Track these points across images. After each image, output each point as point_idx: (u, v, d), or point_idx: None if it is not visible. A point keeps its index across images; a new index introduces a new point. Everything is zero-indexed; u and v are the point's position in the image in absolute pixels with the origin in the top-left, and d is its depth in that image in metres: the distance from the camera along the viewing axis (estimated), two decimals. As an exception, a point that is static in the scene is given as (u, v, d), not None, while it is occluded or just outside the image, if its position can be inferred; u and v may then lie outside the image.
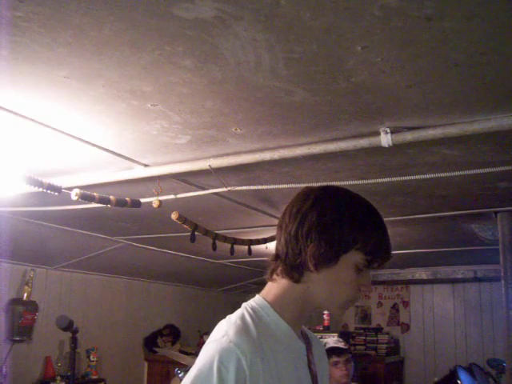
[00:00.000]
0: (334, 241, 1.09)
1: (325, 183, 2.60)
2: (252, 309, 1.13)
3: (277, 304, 1.14)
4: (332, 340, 3.26)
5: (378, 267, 1.14)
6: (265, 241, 3.83)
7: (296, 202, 1.16)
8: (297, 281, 1.12)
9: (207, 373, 0.99)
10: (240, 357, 1.00)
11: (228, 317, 1.12)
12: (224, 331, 1.05)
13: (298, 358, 1.14)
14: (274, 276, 1.16)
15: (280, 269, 1.14)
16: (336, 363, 3.06)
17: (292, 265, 1.12)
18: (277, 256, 1.15)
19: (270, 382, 1.03)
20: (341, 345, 3.18)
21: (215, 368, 0.99)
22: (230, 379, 0.98)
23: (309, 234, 1.10)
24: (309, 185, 2.65)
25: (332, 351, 3.09)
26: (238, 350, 1.00)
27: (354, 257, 1.10)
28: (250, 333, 1.05)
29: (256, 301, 1.16)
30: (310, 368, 1.15)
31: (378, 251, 1.12)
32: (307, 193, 1.16)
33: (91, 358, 5.00)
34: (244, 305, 1.15)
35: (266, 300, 1.14)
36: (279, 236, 1.16)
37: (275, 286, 1.16)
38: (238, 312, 1.12)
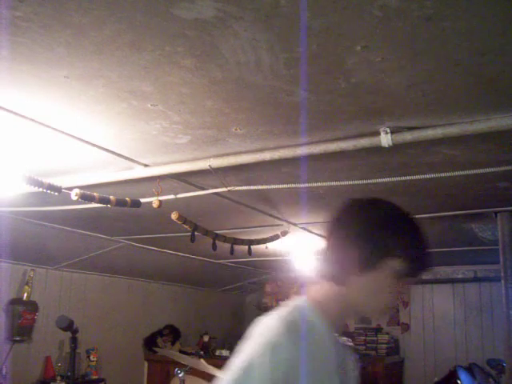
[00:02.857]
0: (376, 247, 1.17)
1: (325, 183, 2.60)
2: (297, 308, 1.20)
3: (320, 305, 1.22)
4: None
5: (416, 276, 1.22)
6: (265, 241, 3.83)
7: (341, 212, 1.26)
8: (340, 284, 1.21)
9: (258, 363, 1.06)
10: (288, 349, 1.08)
11: (272, 314, 1.18)
12: (272, 324, 1.13)
13: (334, 357, 1.21)
14: (320, 279, 1.26)
15: (325, 272, 1.24)
16: None
17: (336, 269, 1.21)
18: (323, 261, 1.25)
19: (312, 375, 1.12)
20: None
21: (266, 358, 1.06)
22: (280, 370, 1.06)
23: (353, 239, 1.19)
24: (309, 185, 2.67)
25: None
26: (286, 343, 1.08)
27: (395, 264, 1.17)
28: (297, 329, 1.13)
29: (301, 300, 1.23)
30: (341, 369, 1.23)
31: (417, 260, 1.20)
32: (352, 203, 1.27)
33: (91, 357, 5.00)
34: (289, 303, 1.22)
35: (311, 301, 1.23)
36: (326, 243, 1.26)
37: (320, 289, 1.25)
38: (284, 309, 1.19)
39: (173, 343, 5.95)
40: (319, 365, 1.16)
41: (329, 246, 1.25)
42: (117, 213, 3.37)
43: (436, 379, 4.69)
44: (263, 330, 1.13)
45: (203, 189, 2.85)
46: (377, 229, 1.19)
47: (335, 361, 1.21)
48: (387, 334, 6.25)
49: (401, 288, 1.21)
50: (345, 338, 1.35)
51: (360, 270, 1.18)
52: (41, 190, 2.36)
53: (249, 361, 1.08)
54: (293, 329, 1.12)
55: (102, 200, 2.56)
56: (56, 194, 2.43)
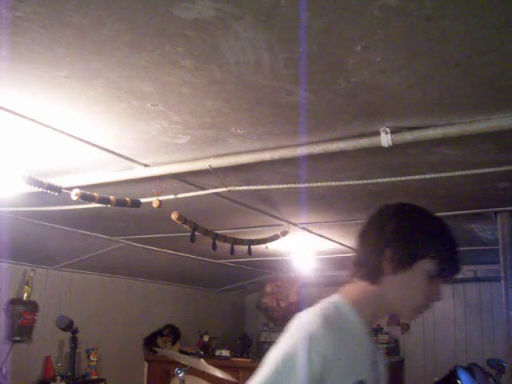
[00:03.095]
0: (410, 247, 1.22)
1: (325, 183, 2.60)
2: (333, 304, 1.25)
3: (354, 302, 1.26)
4: None
5: (447, 278, 1.26)
6: (265, 241, 3.83)
7: (376, 214, 1.32)
8: (374, 283, 1.26)
9: (297, 353, 1.10)
10: (326, 341, 1.12)
11: (309, 310, 1.23)
12: (310, 318, 1.18)
13: (367, 354, 1.25)
14: (354, 278, 1.30)
15: (360, 272, 1.28)
16: None
17: (371, 268, 1.26)
18: (357, 260, 1.30)
19: (347, 369, 1.16)
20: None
21: (305, 349, 1.10)
22: (317, 360, 1.10)
23: (388, 239, 1.24)
24: (309, 185, 2.67)
25: None
26: (324, 335, 1.13)
27: (428, 265, 1.22)
28: (333, 323, 1.18)
29: (336, 298, 1.28)
30: (374, 367, 1.26)
31: (449, 263, 1.25)
32: (385, 207, 1.32)
33: (91, 357, 5.00)
34: (325, 301, 1.27)
35: (345, 298, 1.27)
36: (360, 243, 1.31)
37: (354, 287, 1.30)
38: (320, 306, 1.24)
39: (173, 343, 5.95)
40: (355, 359, 1.19)
41: (362, 246, 1.30)
42: (117, 213, 3.37)
43: (436, 379, 4.69)
44: (301, 324, 1.17)
45: (203, 189, 2.85)
46: (412, 231, 1.24)
47: (370, 357, 1.25)
48: (387, 333, 6.25)
49: (433, 289, 1.25)
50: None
51: (395, 270, 1.22)
52: (41, 190, 2.36)
53: (288, 353, 1.12)
54: (329, 322, 1.17)
55: (101, 200, 2.56)
56: (56, 194, 2.43)
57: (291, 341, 1.14)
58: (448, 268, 1.25)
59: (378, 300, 1.27)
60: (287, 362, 1.11)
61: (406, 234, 1.24)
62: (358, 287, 1.29)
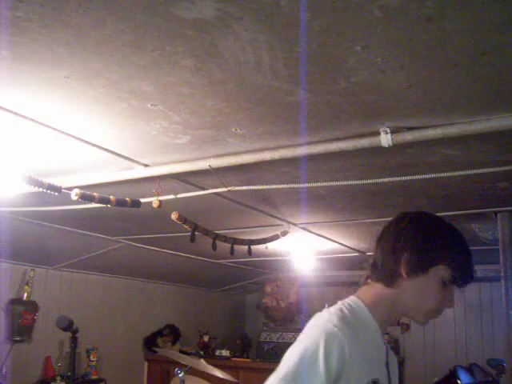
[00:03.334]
0: (425, 253, 1.28)
1: (325, 183, 2.60)
2: (349, 305, 1.29)
3: (369, 304, 1.30)
4: None
5: (461, 285, 1.32)
6: (265, 241, 3.83)
7: (393, 221, 1.37)
8: (390, 286, 1.30)
9: (314, 351, 1.14)
10: (343, 340, 1.15)
11: (325, 310, 1.27)
12: (327, 317, 1.22)
13: (381, 355, 1.30)
14: (370, 281, 1.35)
15: (375, 275, 1.34)
16: None
17: (387, 271, 1.30)
18: (374, 264, 1.35)
19: (362, 368, 1.19)
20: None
21: (321, 347, 1.13)
22: (334, 359, 1.14)
23: (405, 245, 1.29)
24: (309, 185, 2.67)
25: None
26: (341, 334, 1.16)
27: (442, 271, 1.28)
28: (349, 324, 1.21)
29: (352, 299, 1.32)
30: (387, 369, 1.29)
31: (463, 270, 1.31)
32: (404, 215, 1.38)
33: (91, 358, 5.00)
34: (341, 302, 1.31)
35: (362, 300, 1.31)
36: (377, 247, 1.36)
37: (369, 289, 1.34)
38: (337, 306, 1.28)
39: (173, 343, 5.95)
40: (370, 359, 1.22)
41: (380, 250, 1.34)
42: (117, 213, 3.37)
43: (436, 379, 4.69)
44: (318, 324, 1.21)
45: (203, 189, 2.85)
46: (429, 238, 1.29)
47: (383, 358, 1.29)
48: (387, 334, 6.24)
49: (446, 295, 1.30)
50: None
51: (410, 275, 1.27)
52: (41, 189, 2.36)
53: (306, 352, 1.15)
54: (346, 322, 1.21)
55: (101, 200, 2.56)
56: (56, 194, 2.43)
57: (309, 340, 1.17)
58: (461, 275, 1.31)
59: (392, 303, 1.31)
60: (305, 361, 1.14)
61: (422, 241, 1.29)
62: (373, 290, 1.33)
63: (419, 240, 1.29)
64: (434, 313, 1.33)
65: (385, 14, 1.27)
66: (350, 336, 1.18)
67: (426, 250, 1.28)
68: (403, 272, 1.28)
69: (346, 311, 1.26)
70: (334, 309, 1.27)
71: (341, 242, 4.60)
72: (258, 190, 2.83)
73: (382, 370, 1.28)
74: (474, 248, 4.51)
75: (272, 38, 1.39)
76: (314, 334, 1.18)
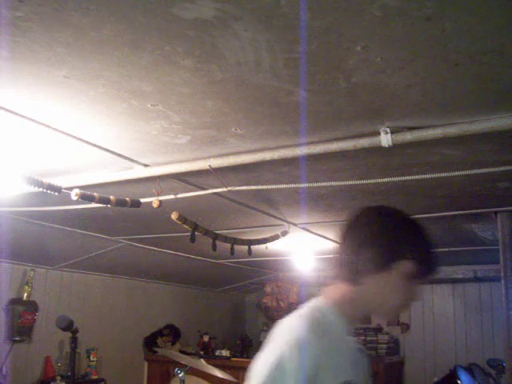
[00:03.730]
0: (388, 248, 1.26)
1: (325, 183, 2.60)
2: (317, 308, 1.27)
3: (337, 305, 1.28)
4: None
5: (424, 279, 1.30)
6: (265, 241, 3.84)
7: (355, 217, 1.35)
8: (355, 284, 1.28)
9: (286, 360, 1.11)
10: (315, 346, 1.14)
11: (294, 314, 1.25)
12: (297, 324, 1.19)
13: (352, 355, 1.28)
14: (335, 280, 1.32)
15: (341, 273, 1.31)
16: None
17: (351, 269, 1.28)
18: (338, 262, 1.33)
19: (335, 371, 1.18)
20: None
21: (295, 355, 1.11)
22: (308, 366, 1.11)
23: (367, 241, 1.27)
24: (309, 185, 2.67)
25: None
26: (312, 340, 1.14)
27: (406, 266, 1.26)
28: (319, 327, 1.19)
29: (320, 301, 1.30)
30: (358, 366, 1.29)
31: (427, 263, 1.30)
32: (366, 209, 1.36)
33: (91, 358, 5.00)
34: (308, 305, 1.29)
35: (329, 301, 1.29)
36: (340, 245, 1.34)
37: (336, 289, 1.32)
38: (305, 310, 1.26)
39: (173, 343, 5.95)
40: (341, 360, 1.21)
41: (343, 248, 1.32)
42: (117, 213, 3.37)
43: (436, 379, 4.69)
44: (287, 329, 1.18)
45: (203, 189, 2.85)
46: (390, 232, 1.28)
47: (354, 358, 1.28)
48: (387, 334, 6.24)
49: (411, 290, 1.29)
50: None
51: (373, 271, 1.25)
52: (41, 189, 2.36)
53: (278, 359, 1.12)
54: (315, 326, 1.18)
55: (101, 200, 2.56)
56: (56, 193, 2.43)
57: (280, 348, 1.14)
58: (425, 269, 1.30)
59: (359, 301, 1.29)
60: (279, 369, 1.11)
61: (384, 236, 1.27)
62: (339, 289, 1.31)
63: (381, 235, 1.28)
64: (400, 308, 1.32)
65: (385, 14, 1.27)
66: (321, 341, 1.16)
67: (387, 245, 1.27)
68: (367, 269, 1.26)
69: (315, 315, 1.24)
70: (302, 313, 1.25)
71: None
72: (258, 189, 2.83)
73: (355, 370, 1.26)
74: (474, 248, 4.54)
75: (272, 38, 1.39)
76: (285, 341, 1.15)
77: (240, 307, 7.66)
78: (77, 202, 2.61)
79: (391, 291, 1.27)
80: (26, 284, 4.49)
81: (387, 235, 1.28)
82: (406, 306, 1.33)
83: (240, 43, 1.42)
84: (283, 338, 1.16)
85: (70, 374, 3.56)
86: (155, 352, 5.50)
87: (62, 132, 2.11)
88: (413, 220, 1.34)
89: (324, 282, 1.39)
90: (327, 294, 1.32)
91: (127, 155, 2.41)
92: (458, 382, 3.24)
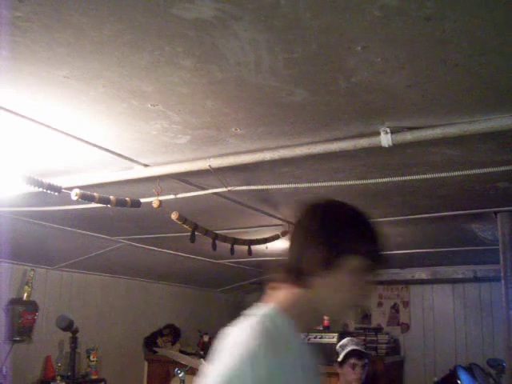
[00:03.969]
0: (333, 246, 1.19)
1: (325, 183, 2.60)
2: (266, 316, 1.18)
3: (287, 310, 1.20)
4: (351, 341, 3.25)
5: (374, 272, 1.24)
6: (265, 241, 3.83)
7: (300, 216, 1.30)
8: (303, 287, 1.20)
9: (239, 375, 1.03)
10: (268, 359, 1.06)
11: (241, 325, 1.16)
12: (245, 336, 1.10)
13: (305, 361, 1.21)
14: (282, 284, 1.24)
15: (287, 277, 1.22)
16: (354, 365, 3.07)
17: (298, 272, 1.20)
18: (284, 265, 1.24)
19: (288, 381, 1.11)
20: (361, 348, 3.19)
21: (248, 370, 1.03)
22: (262, 380, 1.04)
23: (310, 241, 1.20)
24: (309, 185, 2.67)
25: (353, 353, 3.09)
26: (262, 353, 1.06)
27: (353, 261, 1.19)
28: (269, 337, 1.11)
29: (269, 307, 1.21)
30: (312, 372, 1.23)
31: (374, 256, 1.23)
32: (309, 206, 1.30)
33: (91, 358, 5.00)
34: (257, 310, 1.20)
35: (278, 307, 1.20)
36: (288, 247, 1.27)
37: (284, 293, 1.23)
38: (253, 319, 1.17)
39: (173, 343, 5.95)
40: (294, 370, 1.14)
41: (289, 249, 1.26)
42: (117, 213, 3.37)
43: (436, 379, 4.69)
44: (237, 342, 1.10)
45: (203, 189, 2.85)
46: (334, 228, 1.21)
47: (307, 366, 1.21)
48: (387, 334, 6.24)
49: (362, 285, 1.23)
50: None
51: (321, 271, 1.18)
52: (41, 189, 2.36)
53: (229, 374, 1.04)
54: (267, 337, 1.10)
55: (101, 200, 2.56)
56: (56, 193, 2.43)
57: (229, 362, 1.06)
58: (373, 262, 1.23)
59: (310, 304, 1.22)
60: None
61: (327, 233, 1.21)
62: (289, 293, 1.22)
63: (324, 233, 1.20)
64: (353, 306, 1.27)
65: (385, 14, 1.27)
66: (274, 353, 1.08)
67: (332, 243, 1.19)
68: (314, 269, 1.18)
69: (265, 322, 1.14)
70: (252, 322, 1.15)
71: (341, 242, 4.59)
72: (258, 190, 2.83)
73: (308, 376, 1.20)
74: (474, 248, 4.54)
75: (272, 37, 1.39)
76: (235, 356, 1.06)
77: (240, 307, 7.64)
78: (77, 202, 2.61)
79: (341, 290, 1.21)
80: (26, 284, 4.48)
81: (331, 232, 1.21)
82: (359, 303, 1.27)
83: (240, 43, 1.42)
84: (233, 353, 1.08)
85: (70, 374, 3.56)
86: (155, 352, 5.49)
87: (62, 132, 2.11)
88: (357, 212, 1.28)
89: (270, 286, 1.32)
90: (277, 300, 1.23)
91: (127, 155, 2.41)
92: (458, 382, 3.25)
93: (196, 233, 3.18)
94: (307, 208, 1.31)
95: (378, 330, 6.32)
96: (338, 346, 3.27)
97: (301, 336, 1.23)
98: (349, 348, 3.14)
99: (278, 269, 1.26)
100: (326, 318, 5.63)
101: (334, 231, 1.21)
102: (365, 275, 1.22)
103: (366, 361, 3.12)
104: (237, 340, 1.11)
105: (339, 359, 3.13)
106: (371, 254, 1.23)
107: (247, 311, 1.20)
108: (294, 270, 1.21)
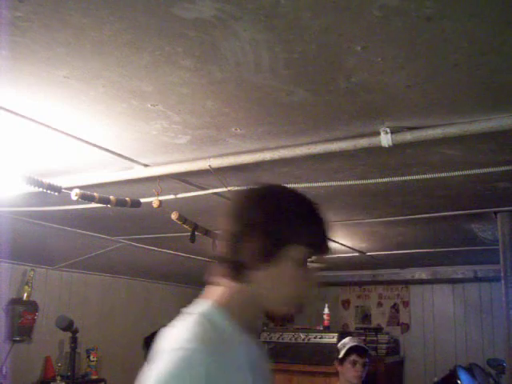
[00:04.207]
0: (272, 236, 1.07)
1: (325, 183, 2.60)
2: (204, 315, 1.08)
3: (226, 308, 1.10)
4: (352, 339, 3.25)
5: (319, 260, 1.13)
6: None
7: (233, 203, 1.16)
8: (242, 282, 1.10)
9: (177, 381, 0.95)
10: (203, 363, 0.96)
11: (178, 325, 1.07)
12: (182, 338, 1.01)
13: (249, 361, 1.11)
14: (220, 279, 1.13)
15: (224, 271, 1.12)
16: (354, 363, 3.05)
17: (235, 266, 1.09)
18: (220, 258, 1.13)
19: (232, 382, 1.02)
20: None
21: (188, 376, 0.95)
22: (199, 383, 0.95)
23: (247, 231, 1.08)
24: (309, 185, 2.67)
25: (355, 350, 3.08)
26: (200, 357, 0.97)
27: (296, 251, 1.09)
28: (208, 339, 1.02)
29: (206, 305, 1.11)
30: (259, 371, 1.13)
31: (318, 243, 1.12)
32: (243, 193, 1.17)
33: (91, 358, 5.00)
34: (193, 310, 1.10)
35: (217, 305, 1.10)
36: (221, 238, 1.14)
37: (222, 290, 1.13)
38: (190, 319, 1.07)
39: (173, 343, 5.95)
40: (236, 371, 1.05)
41: (222, 240, 1.14)
42: (117, 213, 3.37)
43: (436, 379, 4.69)
44: (174, 344, 1.01)
45: (203, 189, 2.85)
46: (272, 216, 1.09)
47: (252, 364, 1.11)
48: (387, 334, 6.24)
49: (307, 275, 1.12)
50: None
51: (260, 264, 1.07)
52: (41, 189, 2.36)
53: (165, 379, 0.96)
54: (205, 337, 1.01)
55: (101, 200, 2.56)
56: (56, 193, 2.43)
57: (165, 367, 0.97)
58: (317, 250, 1.13)
59: (250, 300, 1.12)
60: None
61: (265, 223, 1.08)
62: (226, 289, 1.12)
63: (262, 221, 1.08)
64: (300, 299, 1.14)
65: (384, 14, 1.27)
66: (211, 355, 0.99)
67: (271, 232, 1.07)
68: (252, 263, 1.07)
69: (203, 323, 1.05)
70: (187, 323, 1.05)
71: (341, 241, 4.59)
72: (258, 189, 2.82)
73: (254, 377, 1.10)
74: (474, 248, 4.54)
75: (272, 38, 1.39)
76: (172, 359, 0.97)
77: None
78: (77, 202, 2.61)
79: (285, 283, 1.10)
80: (26, 284, 4.49)
81: (269, 220, 1.08)
82: (306, 295, 1.14)
83: (240, 43, 1.42)
84: (169, 356, 0.98)
85: (70, 373, 3.56)
86: (155, 352, 5.48)
87: (62, 132, 2.11)
88: (297, 197, 1.15)
89: (210, 280, 1.21)
90: (214, 296, 1.12)
91: (127, 155, 2.41)
92: (458, 382, 3.25)
93: (196, 233, 3.17)
94: (242, 194, 1.17)
95: (377, 329, 6.33)
96: (339, 344, 3.27)
97: (243, 333, 1.11)
98: (350, 344, 3.14)
99: (215, 263, 1.14)
100: (326, 318, 5.64)
101: (273, 220, 1.09)
102: (309, 265, 1.12)
103: (367, 360, 3.12)
104: (173, 343, 1.02)
105: (340, 356, 3.13)
106: (315, 242, 1.12)
107: (186, 309, 1.11)
108: (230, 264, 1.10)
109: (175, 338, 1.02)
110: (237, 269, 1.09)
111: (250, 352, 1.12)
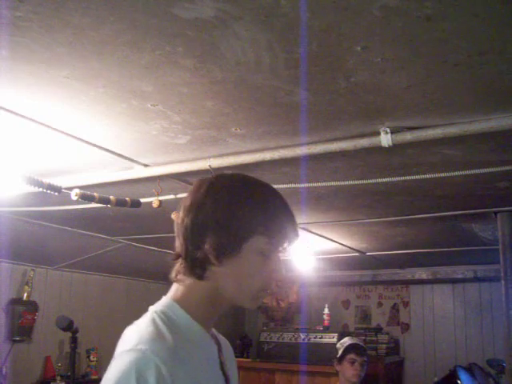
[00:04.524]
0: (232, 228, 1.03)
1: (325, 183, 2.60)
2: (162, 312, 1.05)
3: (186, 305, 1.06)
4: (351, 339, 3.25)
5: (286, 249, 1.08)
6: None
7: (190, 195, 1.09)
8: (202, 278, 1.06)
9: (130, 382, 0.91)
10: (159, 365, 0.93)
11: (136, 324, 1.04)
12: (137, 339, 0.97)
13: (211, 359, 1.08)
14: (179, 276, 1.08)
15: (183, 267, 1.07)
16: (353, 361, 3.05)
17: (194, 261, 1.05)
18: (178, 254, 1.08)
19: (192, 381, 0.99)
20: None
21: (134, 380, 0.91)
22: None
23: (205, 225, 1.03)
24: (309, 185, 2.67)
25: (353, 348, 3.08)
26: (156, 358, 0.93)
27: (258, 242, 1.04)
28: (165, 338, 0.98)
29: (164, 303, 1.08)
30: (222, 370, 1.11)
31: (282, 232, 1.06)
32: (200, 184, 1.09)
33: (91, 358, 5.00)
34: (152, 309, 1.07)
35: (176, 302, 1.07)
36: (177, 233, 1.08)
37: (182, 287, 1.09)
38: (147, 317, 1.04)
39: (173, 343, 5.95)
40: (200, 369, 1.02)
41: (180, 235, 1.08)
42: (117, 213, 3.37)
43: (436, 379, 4.69)
44: (126, 349, 0.97)
45: (203, 189, 2.84)
46: (231, 208, 1.04)
47: (216, 362, 1.09)
48: (387, 334, 6.24)
49: (271, 266, 1.07)
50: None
51: (221, 260, 1.03)
52: (41, 189, 2.36)
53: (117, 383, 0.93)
54: (160, 337, 0.98)
55: (101, 200, 2.56)
56: (56, 193, 2.43)
57: (119, 372, 0.93)
58: (281, 239, 1.06)
59: (212, 297, 1.07)
60: None
61: (224, 215, 1.03)
62: (186, 287, 1.07)
63: (221, 214, 1.03)
64: (263, 291, 1.08)
65: (385, 14, 1.27)
66: (169, 355, 0.95)
67: (231, 224, 1.02)
68: (212, 259, 1.03)
69: (159, 322, 1.01)
70: (144, 322, 1.02)
71: (341, 242, 4.60)
72: (258, 189, 2.82)
73: (217, 374, 1.08)
74: (474, 248, 4.54)
75: (272, 37, 1.39)
76: (124, 364, 0.94)
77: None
78: (77, 202, 2.61)
79: (248, 275, 1.05)
80: (26, 284, 4.49)
81: (228, 212, 1.03)
82: (270, 286, 1.09)
83: (240, 43, 1.42)
84: (123, 361, 0.95)
85: (69, 374, 3.56)
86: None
87: (62, 132, 2.11)
88: (258, 185, 1.10)
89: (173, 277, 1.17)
90: (174, 294, 1.09)
91: (127, 155, 2.41)
92: (458, 381, 3.25)
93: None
94: (197, 185, 1.10)
95: (378, 329, 6.33)
96: (337, 344, 3.27)
97: (207, 331, 1.08)
98: (348, 342, 3.14)
99: (175, 260, 1.09)
100: (326, 318, 5.64)
101: (234, 210, 1.03)
102: (273, 256, 1.07)
103: (366, 359, 3.12)
104: (124, 348, 0.97)
105: (338, 355, 3.13)
106: (278, 231, 1.06)
107: (150, 306, 1.09)
108: (189, 260, 1.05)
109: (133, 337, 0.99)
110: (198, 266, 1.05)
111: (210, 348, 1.09)
